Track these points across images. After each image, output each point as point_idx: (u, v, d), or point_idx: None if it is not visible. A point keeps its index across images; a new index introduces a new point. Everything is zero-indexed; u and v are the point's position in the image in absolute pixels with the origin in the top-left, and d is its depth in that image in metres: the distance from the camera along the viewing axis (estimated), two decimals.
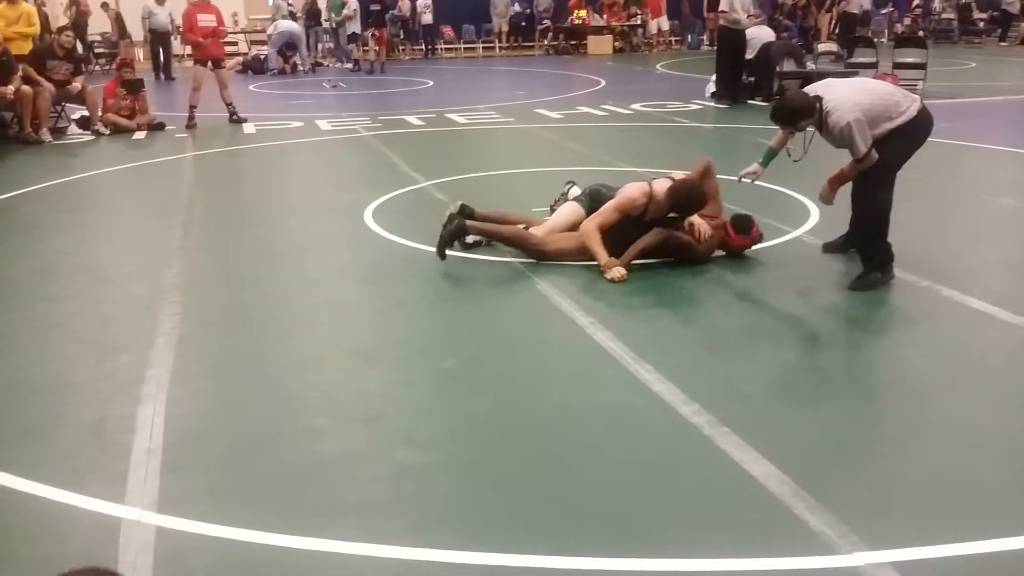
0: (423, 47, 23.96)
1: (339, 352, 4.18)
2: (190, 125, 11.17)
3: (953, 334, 4.31)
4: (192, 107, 11.26)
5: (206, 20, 11.22)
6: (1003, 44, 24.06)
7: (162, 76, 17.76)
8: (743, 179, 5.22)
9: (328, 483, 3.00)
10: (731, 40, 12.61)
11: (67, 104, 11.24)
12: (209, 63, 11.28)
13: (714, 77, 13.29)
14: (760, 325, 4.45)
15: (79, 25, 17.81)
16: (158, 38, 17.99)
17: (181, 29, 13.64)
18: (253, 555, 2.62)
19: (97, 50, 20.49)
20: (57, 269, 5.46)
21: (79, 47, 14.38)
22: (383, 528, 2.72)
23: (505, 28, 24.96)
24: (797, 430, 3.32)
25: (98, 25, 20.56)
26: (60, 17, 18.96)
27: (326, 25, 21.11)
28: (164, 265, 5.44)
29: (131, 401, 3.59)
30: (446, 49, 24.42)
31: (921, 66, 13.18)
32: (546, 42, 24.92)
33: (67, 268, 5.49)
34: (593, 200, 5.49)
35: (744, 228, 5.35)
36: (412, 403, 3.65)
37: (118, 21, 20.36)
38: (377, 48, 19.11)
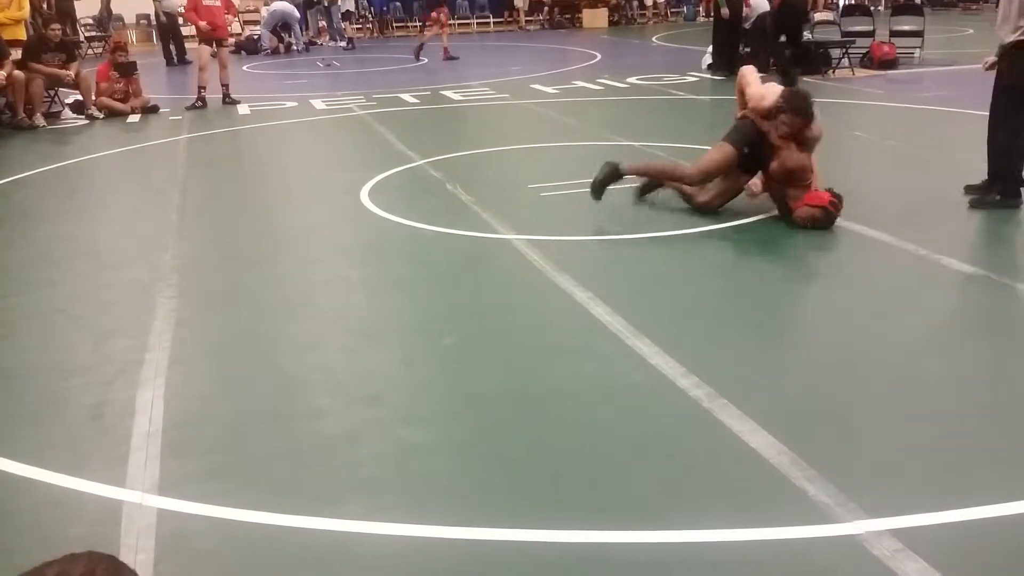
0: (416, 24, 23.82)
1: (338, 332, 4.17)
2: (195, 106, 11.10)
3: (954, 303, 4.30)
4: (201, 88, 11.22)
5: (211, 0, 11.15)
6: None
7: (175, 60, 17.33)
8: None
9: (329, 462, 3.01)
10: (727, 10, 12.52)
11: (60, 88, 11.18)
12: (213, 42, 11.22)
13: (710, 49, 13.22)
14: (758, 297, 4.44)
15: (63, 11, 17.56)
16: (170, 20, 17.66)
17: (184, 10, 13.34)
18: (255, 535, 2.63)
19: (88, 33, 20.37)
20: (54, 254, 5.45)
21: (69, 31, 14.20)
22: (385, 506, 2.72)
23: (525, 6, 24.78)
24: (795, 401, 3.32)
25: (89, 8, 20.43)
26: None
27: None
28: (161, 248, 5.43)
29: (130, 385, 3.60)
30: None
31: (918, 34, 13.10)
32: (541, 16, 24.76)
33: (64, 253, 5.47)
34: (740, 134, 5.56)
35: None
36: (412, 381, 3.66)
37: (107, 5, 20.20)
38: (440, 30, 16.33)
